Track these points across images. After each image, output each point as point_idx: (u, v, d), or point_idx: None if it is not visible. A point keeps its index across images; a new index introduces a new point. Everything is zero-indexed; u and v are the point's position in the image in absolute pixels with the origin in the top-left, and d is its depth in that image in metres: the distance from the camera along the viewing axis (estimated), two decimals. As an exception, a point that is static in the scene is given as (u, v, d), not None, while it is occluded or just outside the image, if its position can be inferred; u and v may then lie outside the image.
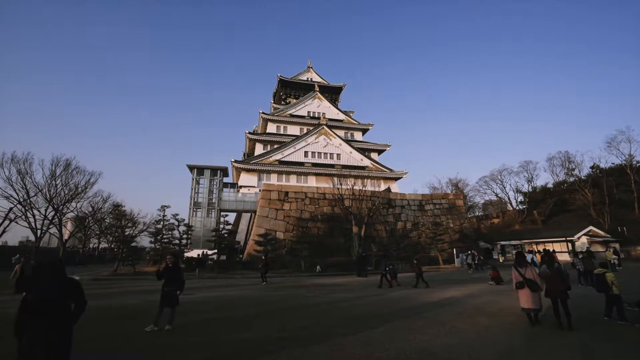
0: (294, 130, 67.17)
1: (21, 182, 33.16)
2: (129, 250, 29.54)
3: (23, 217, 33.56)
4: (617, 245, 33.17)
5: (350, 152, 64.31)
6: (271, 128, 66.21)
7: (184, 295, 14.27)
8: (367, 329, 7.72)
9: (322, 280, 22.61)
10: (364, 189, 32.90)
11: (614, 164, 51.06)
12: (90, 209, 41.90)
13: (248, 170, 50.98)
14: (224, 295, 15.08)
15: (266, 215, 30.82)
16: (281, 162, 56.89)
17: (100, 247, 62.60)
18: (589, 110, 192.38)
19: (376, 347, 6.29)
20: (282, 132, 66.28)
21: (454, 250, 32.30)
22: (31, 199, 33.86)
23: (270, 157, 57.36)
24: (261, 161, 55.10)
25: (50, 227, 36.67)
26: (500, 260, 37.23)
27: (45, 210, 35.09)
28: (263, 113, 64.60)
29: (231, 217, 64.64)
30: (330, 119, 68.31)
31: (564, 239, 36.37)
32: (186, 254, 32.31)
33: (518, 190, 55.45)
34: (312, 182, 54.55)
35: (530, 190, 58.58)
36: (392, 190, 48.23)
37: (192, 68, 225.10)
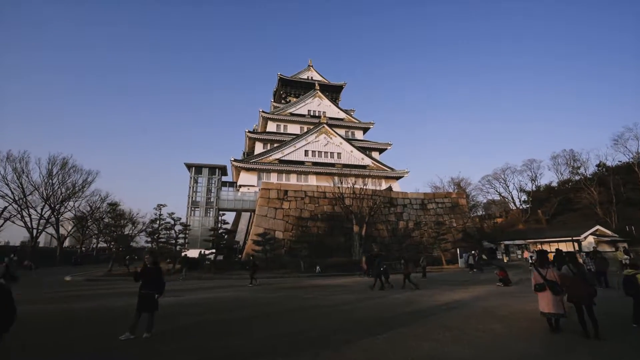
0: (294, 129, 66.59)
1: (17, 180, 32.65)
2: (124, 250, 28.92)
3: (19, 216, 33.00)
4: (625, 245, 32.31)
5: (351, 151, 63.71)
6: (271, 127, 65.67)
7: (174, 297, 13.75)
8: (369, 336, 7.02)
9: (321, 281, 21.93)
10: (364, 187, 32.21)
11: (620, 161, 49.96)
12: (88, 208, 41.35)
13: (247, 170, 50.38)
14: (218, 297, 14.41)
15: (265, 215, 30.08)
16: (281, 161, 56.29)
17: (98, 247, 62.09)
18: (590, 110, 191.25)
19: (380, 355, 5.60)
20: (282, 130, 65.74)
21: (457, 250, 31.57)
22: (27, 198, 33.29)
23: (270, 156, 56.75)
24: (261, 160, 54.51)
25: (47, 226, 36.12)
26: (505, 261, 36.48)
27: (42, 209, 34.56)
28: (263, 112, 64.07)
29: (231, 217, 64.22)
30: (330, 118, 67.74)
31: (570, 238, 35.53)
32: (184, 254, 31.71)
33: (522, 189, 54.67)
34: (312, 181, 53.94)
35: (534, 189, 57.77)
36: (394, 190, 47.58)
37: (192, 68, 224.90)
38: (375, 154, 67.44)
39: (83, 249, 49.45)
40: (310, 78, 78.54)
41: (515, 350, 5.93)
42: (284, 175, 54.25)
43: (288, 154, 57.73)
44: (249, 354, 5.85)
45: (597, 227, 36.14)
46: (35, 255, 33.13)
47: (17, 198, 32.72)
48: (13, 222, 33.70)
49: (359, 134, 70.63)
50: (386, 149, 68.53)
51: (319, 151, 61.98)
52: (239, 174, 53.15)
